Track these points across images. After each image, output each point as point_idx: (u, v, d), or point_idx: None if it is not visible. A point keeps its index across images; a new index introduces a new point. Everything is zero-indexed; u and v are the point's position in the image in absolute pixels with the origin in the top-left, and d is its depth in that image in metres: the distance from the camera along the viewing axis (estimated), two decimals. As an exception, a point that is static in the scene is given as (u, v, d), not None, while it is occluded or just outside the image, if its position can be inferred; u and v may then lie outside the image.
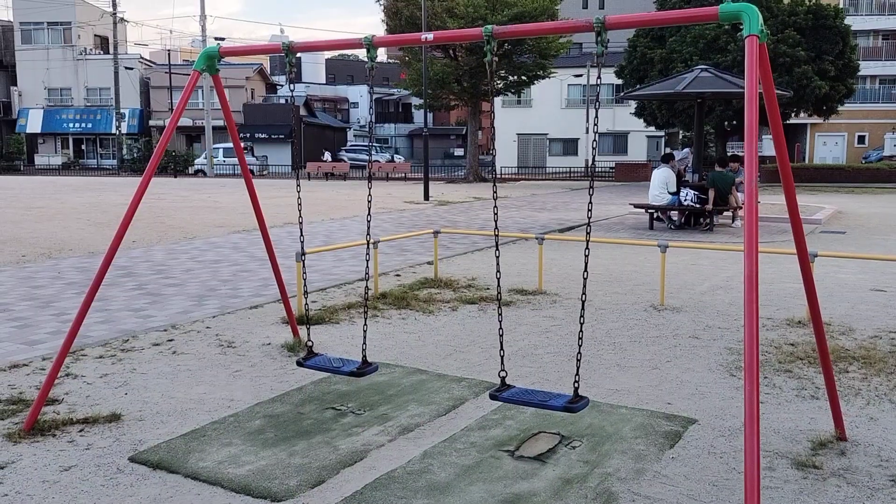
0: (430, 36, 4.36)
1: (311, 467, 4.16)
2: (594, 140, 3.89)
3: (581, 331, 4.17)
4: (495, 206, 4.48)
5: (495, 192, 4.45)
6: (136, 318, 7.72)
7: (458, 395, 5.38)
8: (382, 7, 36.45)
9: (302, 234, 5.07)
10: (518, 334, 7.08)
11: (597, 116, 4.04)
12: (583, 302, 4.13)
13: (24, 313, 7.89)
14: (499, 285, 4.42)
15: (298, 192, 4.94)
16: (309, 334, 5.19)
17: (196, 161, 49.22)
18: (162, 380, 5.70)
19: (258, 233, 14.67)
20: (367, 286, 4.88)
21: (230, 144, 51.55)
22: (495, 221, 4.44)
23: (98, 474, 4.09)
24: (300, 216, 5.15)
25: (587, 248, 4.11)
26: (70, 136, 57.56)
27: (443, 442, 4.53)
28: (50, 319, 7.62)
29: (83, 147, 58.20)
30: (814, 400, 5.27)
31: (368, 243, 4.77)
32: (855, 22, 34.45)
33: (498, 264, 4.42)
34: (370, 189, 4.80)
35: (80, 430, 4.68)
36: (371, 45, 4.50)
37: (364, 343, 4.89)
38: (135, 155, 52.53)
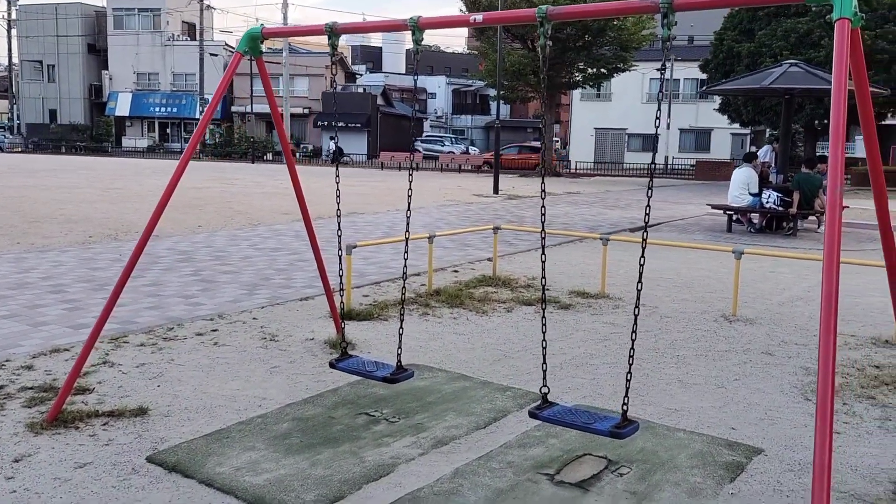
0: (479, 17, 4.00)
1: (333, 480, 3.87)
2: (656, 135, 3.47)
3: (632, 347, 3.74)
4: (543, 207, 4.08)
5: (543, 188, 4.05)
6: (185, 305, 7.62)
7: (502, 406, 5.02)
8: (463, -4, 36.07)
9: (339, 229, 4.79)
10: (574, 341, 6.66)
11: (659, 109, 3.60)
12: (636, 316, 3.71)
13: (77, 295, 7.89)
14: (544, 291, 4.03)
15: (337, 184, 4.66)
16: (344, 334, 4.93)
17: None
18: (197, 372, 5.53)
19: (321, 221, 14.62)
20: (403, 286, 4.56)
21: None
22: (542, 220, 4.05)
23: (112, 474, 3.90)
24: (338, 209, 4.87)
25: (643, 255, 3.67)
26: (156, 120, 59.31)
27: (478, 459, 4.18)
28: (101, 302, 7.55)
29: (168, 131, 59.90)
30: (901, 434, 4.69)
31: (407, 240, 4.44)
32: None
33: (543, 268, 4.02)
34: (410, 182, 4.47)
35: (104, 424, 4.52)
36: (416, 26, 4.17)
37: (399, 347, 4.57)
38: (217, 140, 53.74)
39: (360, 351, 6.16)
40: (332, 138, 47.28)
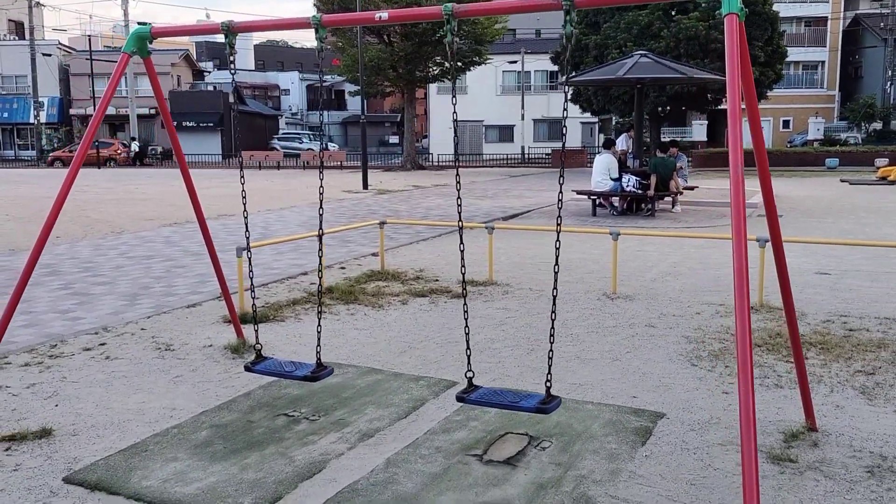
0: (384, 15, 4.07)
1: (267, 482, 3.85)
2: (564, 126, 3.67)
3: (553, 326, 3.95)
4: (459, 198, 4.22)
5: (458, 179, 4.18)
6: (63, 320, 7.21)
7: (418, 395, 5.12)
8: (314, -9, 35.62)
9: (247, 229, 4.72)
10: (473, 328, 6.83)
11: (566, 101, 3.81)
12: (554, 297, 3.91)
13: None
14: (464, 280, 4.17)
15: (242, 182, 4.59)
16: (257, 336, 4.85)
17: None
18: (95, 388, 5.28)
19: (190, 226, 14.12)
20: (320, 283, 4.56)
21: None
22: (459, 212, 4.19)
23: (29, 499, 3.69)
24: (245, 208, 4.79)
25: (558, 239, 3.89)
26: (-15, 126, 54.90)
27: (406, 448, 4.27)
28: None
29: (-1, 137, 55.60)
30: (778, 388, 5.19)
31: (321, 235, 4.45)
32: (780, 9, 35.26)
33: (463, 259, 4.16)
34: (321, 179, 4.48)
35: (7, 449, 4.25)
36: (320, 24, 4.18)
37: (318, 345, 4.58)
38: (55, 145, 50.36)
39: (264, 354, 6.07)
40: (132, 139, 45.18)
